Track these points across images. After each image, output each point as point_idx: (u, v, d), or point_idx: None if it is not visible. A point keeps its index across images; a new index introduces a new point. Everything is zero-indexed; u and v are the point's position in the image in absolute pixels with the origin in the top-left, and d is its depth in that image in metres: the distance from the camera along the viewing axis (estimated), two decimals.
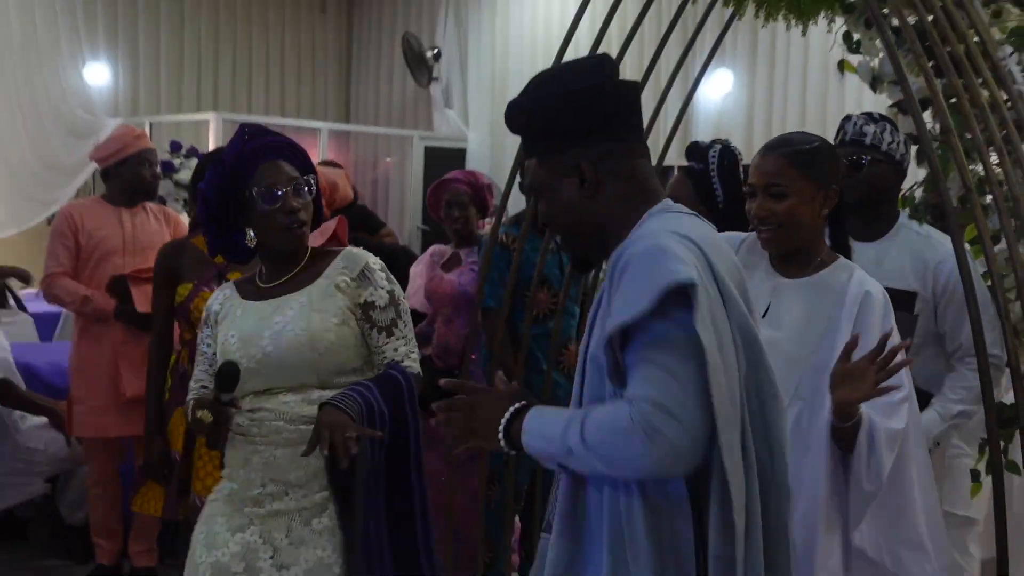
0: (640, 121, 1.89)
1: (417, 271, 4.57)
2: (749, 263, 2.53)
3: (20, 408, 4.48)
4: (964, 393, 2.89)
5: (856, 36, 3.46)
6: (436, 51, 9.57)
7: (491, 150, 9.22)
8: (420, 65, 9.59)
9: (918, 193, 3.37)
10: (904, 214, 3.10)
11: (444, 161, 8.54)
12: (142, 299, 4.02)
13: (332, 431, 2.24)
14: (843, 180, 2.84)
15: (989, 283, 2.79)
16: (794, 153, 2.44)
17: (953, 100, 2.86)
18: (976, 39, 2.94)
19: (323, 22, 10.46)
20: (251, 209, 2.43)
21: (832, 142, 2.60)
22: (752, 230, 2.55)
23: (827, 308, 2.39)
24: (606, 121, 1.82)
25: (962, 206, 3.00)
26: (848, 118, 3.06)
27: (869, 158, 2.97)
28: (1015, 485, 3.28)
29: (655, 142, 2.22)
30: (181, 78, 9.42)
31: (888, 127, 2.99)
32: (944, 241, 2.85)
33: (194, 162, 6.28)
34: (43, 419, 4.54)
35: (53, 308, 5.97)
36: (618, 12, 3.26)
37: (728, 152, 3.36)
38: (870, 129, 2.98)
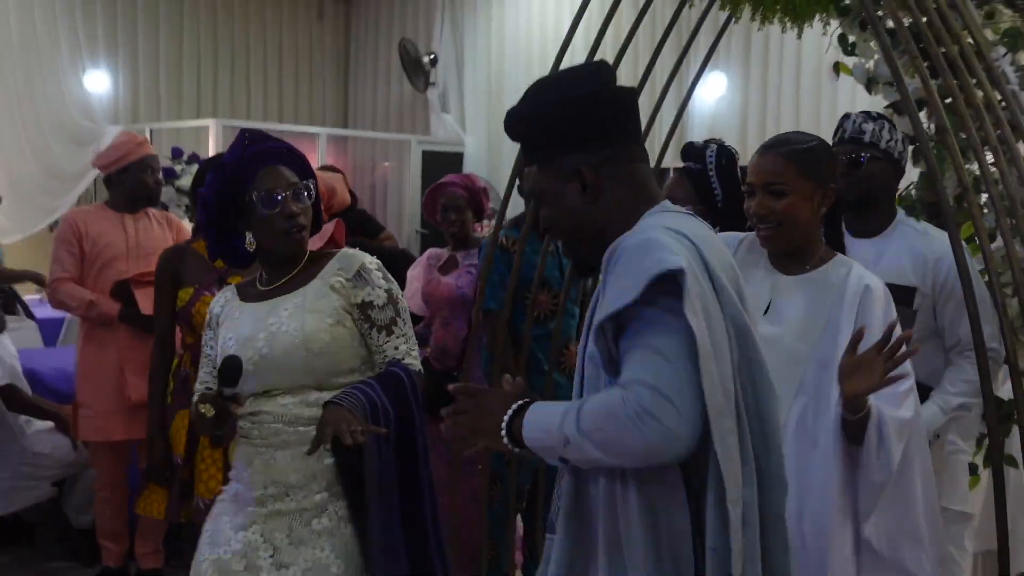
0: (638, 126, 1.90)
1: (414, 274, 4.57)
2: (748, 261, 2.54)
3: (26, 413, 4.48)
4: (964, 386, 2.90)
5: (851, 38, 3.46)
6: (433, 56, 9.57)
7: (488, 154, 9.22)
8: (417, 70, 9.59)
9: (914, 192, 3.38)
10: (902, 211, 3.11)
11: (441, 165, 8.53)
12: (146, 301, 4.02)
13: (336, 426, 2.24)
14: (842, 178, 2.86)
15: (986, 279, 2.80)
16: (793, 152, 2.45)
17: (948, 100, 2.87)
18: (970, 40, 2.94)
19: (320, 28, 10.46)
20: (251, 214, 2.43)
21: (829, 142, 2.60)
22: (749, 229, 2.56)
23: (827, 303, 2.40)
24: (605, 127, 1.83)
25: (958, 205, 3.01)
26: (847, 116, 3.07)
27: (868, 155, 2.97)
28: (1010, 478, 3.28)
29: (651, 145, 2.22)
30: (180, 85, 9.41)
31: (886, 125, 3.00)
32: (942, 237, 2.85)
33: (195, 168, 6.28)
34: (49, 424, 4.55)
35: (57, 314, 5.97)
36: (613, 17, 3.26)
37: (725, 151, 3.36)
38: (868, 127, 2.99)
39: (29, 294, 6.63)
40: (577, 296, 4.13)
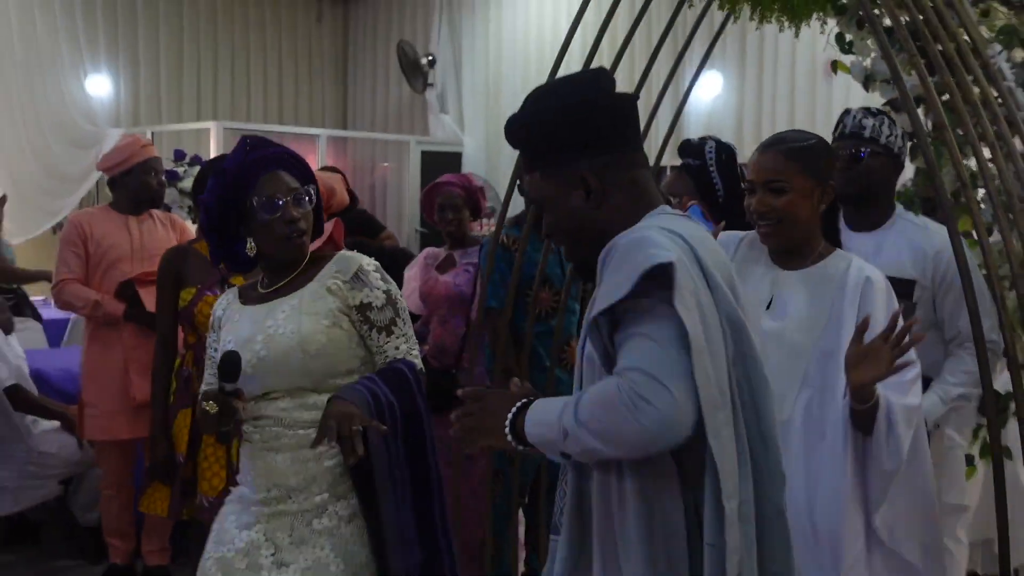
0: (638, 131, 1.90)
1: (411, 274, 4.57)
2: (749, 258, 2.55)
3: (33, 413, 4.48)
4: (964, 377, 2.90)
5: (848, 37, 3.46)
6: (431, 58, 9.57)
7: (486, 153, 9.23)
8: (415, 72, 9.59)
9: (911, 188, 3.38)
10: (900, 206, 3.11)
11: (440, 165, 8.53)
12: (151, 300, 4.02)
13: (340, 422, 2.24)
14: (842, 173, 2.86)
15: (984, 273, 2.80)
16: (793, 150, 2.46)
17: (945, 97, 2.87)
18: (965, 38, 2.95)
19: (319, 31, 10.45)
20: (252, 219, 2.43)
21: (824, 139, 2.61)
22: (749, 225, 2.56)
23: (829, 296, 2.41)
24: (607, 133, 1.83)
25: (954, 200, 3.01)
26: (847, 112, 3.07)
27: (868, 150, 2.97)
28: (1006, 470, 3.29)
29: (648, 144, 2.23)
30: (181, 88, 9.41)
31: (886, 120, 3.00)
32: (941, 231, 2.86)
33: (197, 170, 6.27)
34: (55, 423, 4.54)
35: (61, 314, 5.97)
36: (612, 18, 3.26)
37: (724, 146, 3.35)
38: (869, 122, 2.99)
39: (34, 295, 6.63)
40: (578, 293, 4.13)
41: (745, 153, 3.22)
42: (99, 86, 8.70)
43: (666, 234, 1.71)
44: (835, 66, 3.62)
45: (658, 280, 1.63)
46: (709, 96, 7.72)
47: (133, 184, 4.34)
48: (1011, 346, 2.51)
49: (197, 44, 9.53)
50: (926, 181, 3.29)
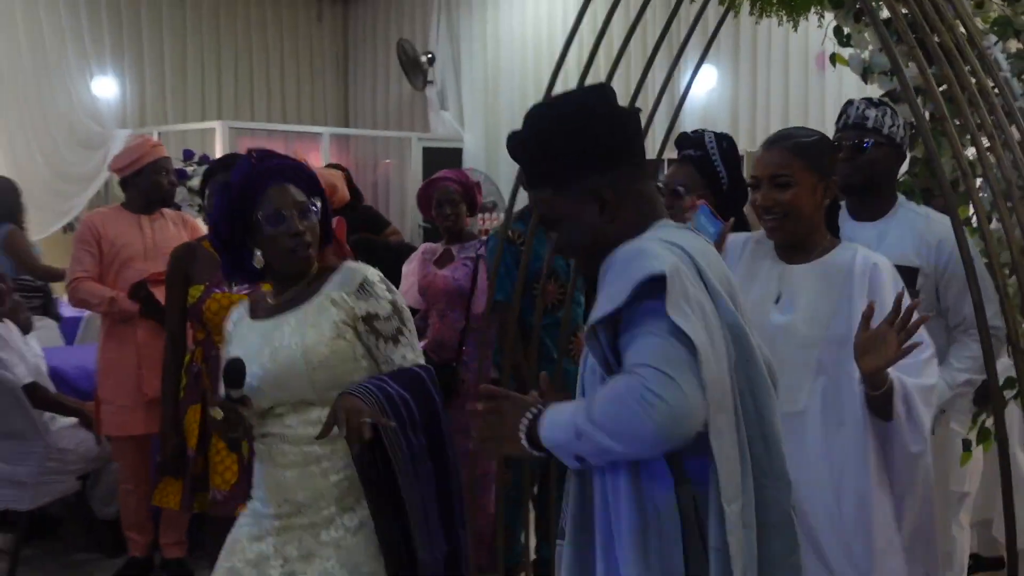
0: (643, 143, 1.90)
1: (409, 269, 4.57)
2: (757, 255, 2.57)
3: (50, 410, 4.48)
4: (969, 362, 2.89)
5: (846, 30, 3.46)
6: (430, 55, 9.56)
7: (486, 149, 9.23)
8: (415, 69, 9.58)
9: (909, 179, 3.38)
10: (901, 195, 3.11)
11: (441, 161, 8.53)
12: (164, 298, 4.02)
13: (348, 414, 2.24)
14: (846, 163, 2.86)
15: (986, 261, 2.80)
16: (797, 145, 2.47)
17: (943, 88, 2.86)
18: (962, 29, 2.94)
19: (320, 31, 10.43)
20: (258, 232, 2.41)
21: (818, 131, 2.61)
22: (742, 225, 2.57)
23: (837, 285, 2.42)
24: (618, 146, 1.81)
25: (953, 188, 3.01)
26: (850, 102, 3.06)
27: (872, 141, 2.96)
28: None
29: (646, 139, 2.23)
30: (185, 89, 9.40)
31: (889, 111, 2.99)
32: (943, 220, 2.85)
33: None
34: (73, 420, 4.54)
35: (75, 312, 5.96)
36: (612, 19, 3.25)
37: (724, 136, 3.33)
38: (872, 113, 2.98)
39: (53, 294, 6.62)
40: (583, 285, 4.12)
41: (740, 146, 3.22)
42: (105, 88, 8.70)
43: (666, 246, 1.71)
44: (833, 59, 3.61)
45: (655, 290, 1.63)
46: (704, 90, 7.71)
47: (144, 184, 4.34)
48: (1012, 331, 2.51)
49: (200, 45, 9.52)
50: (925, 171, 3.29)
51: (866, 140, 2.96)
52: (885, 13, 2.92)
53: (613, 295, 1.67)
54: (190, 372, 3.60)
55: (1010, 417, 2.94)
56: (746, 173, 3.13)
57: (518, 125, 1.88)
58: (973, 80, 2.79)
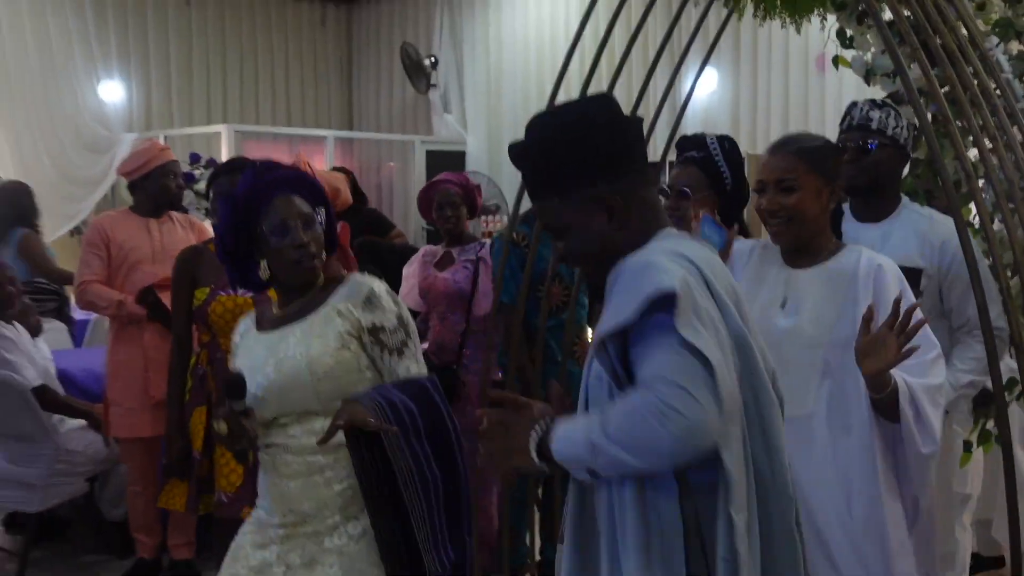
0: (645, 151, 1.89)
1: (410, 271, 4.56)
2: (764, 260, 2.57)
3: (59, 412, 4.47)
4: (973, 363, 2.89)
5: (849, 32, 3.45)
6: (433, 59, 9.56)
7: (488, 152, 9.23)
8: (418, 73, 9.58)
9: (911, 180, 3.37)
10: (905, 196, 3.10)
11: (445, 164, 8.51)
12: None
13: (351, 418, 2.23)
14: (850, 164, 2.85)
15: (990, 261, 2.79)
16: (802, 150, 2.47)
17: (945, 89, 2.86)
18: (964, 31, 2.93)
19: (324, 35, 10.44)
20: (263, 243, 2.41)
21: (818, 133, 2.61)
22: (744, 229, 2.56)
23: (842, 287, 2.41)
24: (624, 155, 1.80)
25: (956, 189, 3.00)
26: (854, 104, 3.05)
27: (876, 142, 2.95)
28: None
29: (648, 142, 2.23)
30: (191, 92, 9.41)
31: (892, 112, 2.99)
32: (947, 221, 2.84)
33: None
34: (81, 422, 4.54)
35: (83, 315, 5.95)
36: (605, 21, 3.24)
37: (725, 137, 3.33)
38: (876, 114, 2.97)
39: None
40: (587, 287, 4.12)
41: (741, 148, 3.22)
42: (112, 92, 8.71)
43: (673, 257, 1.70)
44: (836, 61, 3.60)
45: (664, 305, 1.61)
46: (705, 92, 7.70)
47: (152, 187, 4.34)
48: (1016, 331, 2.50)
49: (206, 49, 9.53)
50: (928, 172, 3.28)
51: (870, 141, 2.95)
52: (887, 15, 2.91)
53: (622, 309, 1.65)
54: (195, 374, 3.59)
55: (1011, 416, 2.92)
56: (747, 175, 3.13)
57: (521, 128, 1.87)
58: (975, 81, 2.78)
